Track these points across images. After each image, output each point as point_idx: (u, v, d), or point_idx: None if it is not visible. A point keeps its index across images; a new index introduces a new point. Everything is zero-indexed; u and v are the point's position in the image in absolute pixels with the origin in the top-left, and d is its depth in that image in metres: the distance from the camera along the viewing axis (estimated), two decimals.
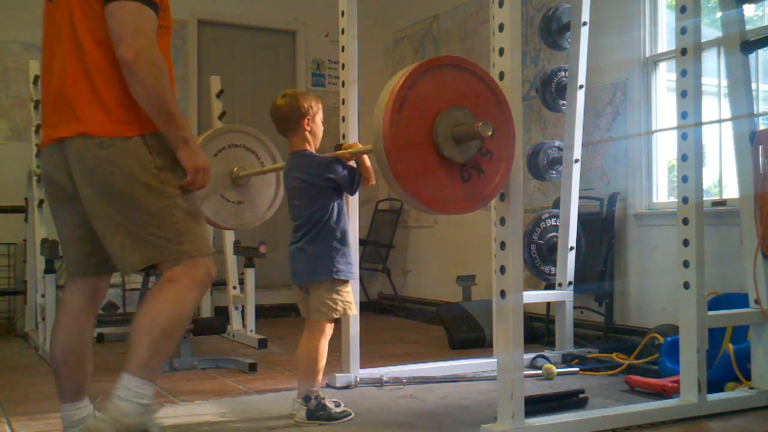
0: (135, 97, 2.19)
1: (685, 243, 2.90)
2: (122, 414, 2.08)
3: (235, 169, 3.70)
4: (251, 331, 4.87)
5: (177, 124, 2.24)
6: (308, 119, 2.91)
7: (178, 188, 2.26)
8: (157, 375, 2.25)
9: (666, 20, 4.44)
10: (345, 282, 2.92)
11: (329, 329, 2.93)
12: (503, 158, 2.50)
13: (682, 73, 2.97)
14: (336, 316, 2.91)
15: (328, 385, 3.51)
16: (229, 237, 5.10)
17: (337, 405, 2.91)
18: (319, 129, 2.99)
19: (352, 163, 2.95)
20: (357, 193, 3.14)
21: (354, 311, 2.99)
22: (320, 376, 2.92)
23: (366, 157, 2.95)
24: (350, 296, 2.95)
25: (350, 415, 2.88)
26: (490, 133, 2.35)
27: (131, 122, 2.23)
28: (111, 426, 2.06)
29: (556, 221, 4.40)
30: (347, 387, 3.47)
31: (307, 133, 2.93)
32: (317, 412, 2.81)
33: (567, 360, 4.00)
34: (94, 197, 2.27)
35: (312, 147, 2.96)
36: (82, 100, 2.23)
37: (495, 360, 2.71)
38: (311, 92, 3.05)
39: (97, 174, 2.24)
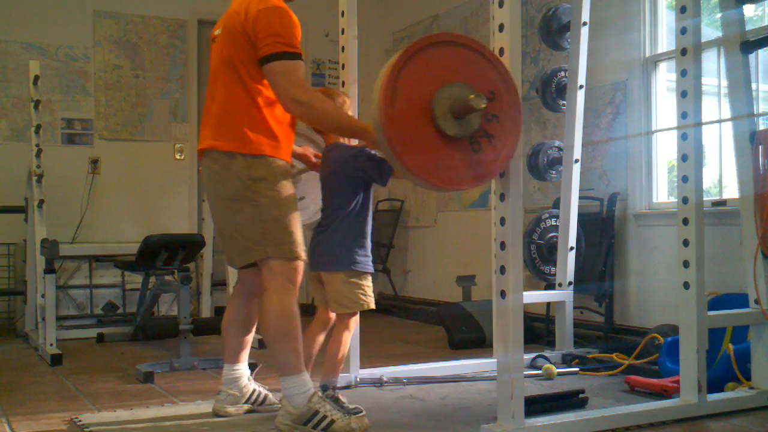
0: None
1: (685, 243, 2.90)
2: (293, 406, 2.65)
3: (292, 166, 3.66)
4: None
5: (353, 132, 2.84)
6: None
7: (272, 198, 2.71)
8: (299, 362, 2.70)
9: (666, 20, 4.44)
10: (363, 274, 2.92)
11: (353, 323, 2.97)
12: (510, 118, 2.50)
13: (682, 73, 2.97)
14: (357, 310, 2.93)
15: None
16: None
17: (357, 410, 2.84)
18: None
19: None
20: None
21: (372, 305, 2.98)
22: (338, 370, 2.95)
23: None
24: (370, 290, 2.95)
25: (361, 411, 2.80)
26: (483, 105, 2.36)
27: (240, 142, 2.71)
28: (287, 416, 2.66)
29: (556, 221, 4.40)
30: (347, 387, 3.46)
31: None
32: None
33: (567, 360, 4.00)
34: (209, 202, 2.90)
35: (347, 139, 3.01)
36: (220, 124, 2.77)
37: (495, 360, 2.71)
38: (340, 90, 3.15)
39: (210, 182, 2.83)
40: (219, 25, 2.90)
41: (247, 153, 2.71)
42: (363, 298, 2.91)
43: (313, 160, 3.18)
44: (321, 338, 3.03)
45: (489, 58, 2.50)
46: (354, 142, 3.03)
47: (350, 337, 2.99)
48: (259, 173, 2.71)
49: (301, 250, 2.77)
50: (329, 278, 2.92)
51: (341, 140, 3.01)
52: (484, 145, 2.46)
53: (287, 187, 2.77)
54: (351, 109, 3.07)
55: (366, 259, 2.94)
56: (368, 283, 2.95)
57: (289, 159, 2.86)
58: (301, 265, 2.78)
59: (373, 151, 2.90)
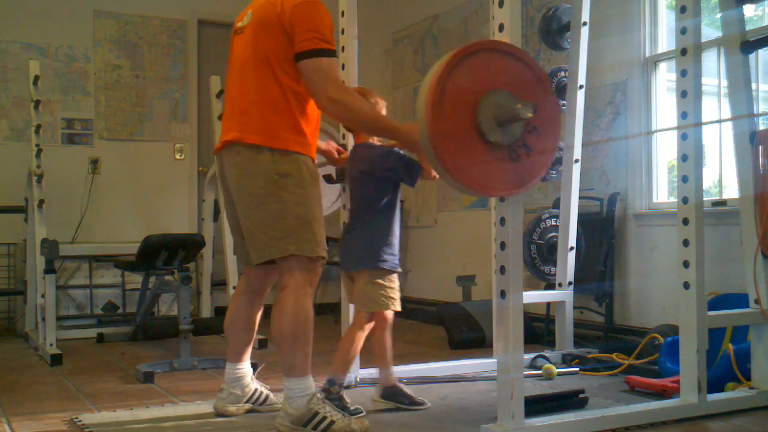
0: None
1: (685, 243, 2.90)
2: (293, 408, 2.64)
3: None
4: None
5: (387, 132, 2.79)
6: None
7: (298, 195, 2.66)
8: (307, 365, 2.69)
9: (666, 20, 4.44)
10: (389, 274, 2.94)
11: (369, 325, 2.97)
12: (549, 131, 2.51)
13: (682, 73, 2.97)
14: (377, 310, 2.95)
15: None
16: (229, 237, 5.10)
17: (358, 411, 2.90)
18: None
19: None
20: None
21: (397, 307, 2.99)
22: (347, 367, 2.97)
23: None
24: (394, 292, 2.96)
25: (362, 412, 2.86)
26: (530, 114, 2.37)
27: (268, 136, 2.66)
28: (287, 418, 2.64)
29: (556, 221, 4.40)
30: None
31: None
32: (332, 402, 2.82)
33: (567, 360, 4.00)
34: (233, 196, 2.78)
35: (376, 139, 3.02)
36: (248, 117, 2.70)
37: (495, 360, 2.71)
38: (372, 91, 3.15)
39: (232, 176, 2.75)
40: (242, 17, 2.85)
41: (275, 147, 2.66)
42: (384, 299, 2.93)
43: (336, 155, 3.18)
44: (387, 337, 3.08)
45: (535, 70, 2.52)
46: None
47: (364, 336, 2.98)
48: (285, 169, 2.67)
49: (323, 251, 2.73)
50: (356, 277, 2.96)
51: (371, 140, 3.01)
52: (522, 155, 2.47)
53: (313, 186, 2.74)
54: (384, 109, 3.05)
55: (393, 258, 2.95)
56: (392, 284, 2.96)
57: (314, 157, 2.83)
58: (320, 267, 2.76)
59: (402, 152, 2.91)
